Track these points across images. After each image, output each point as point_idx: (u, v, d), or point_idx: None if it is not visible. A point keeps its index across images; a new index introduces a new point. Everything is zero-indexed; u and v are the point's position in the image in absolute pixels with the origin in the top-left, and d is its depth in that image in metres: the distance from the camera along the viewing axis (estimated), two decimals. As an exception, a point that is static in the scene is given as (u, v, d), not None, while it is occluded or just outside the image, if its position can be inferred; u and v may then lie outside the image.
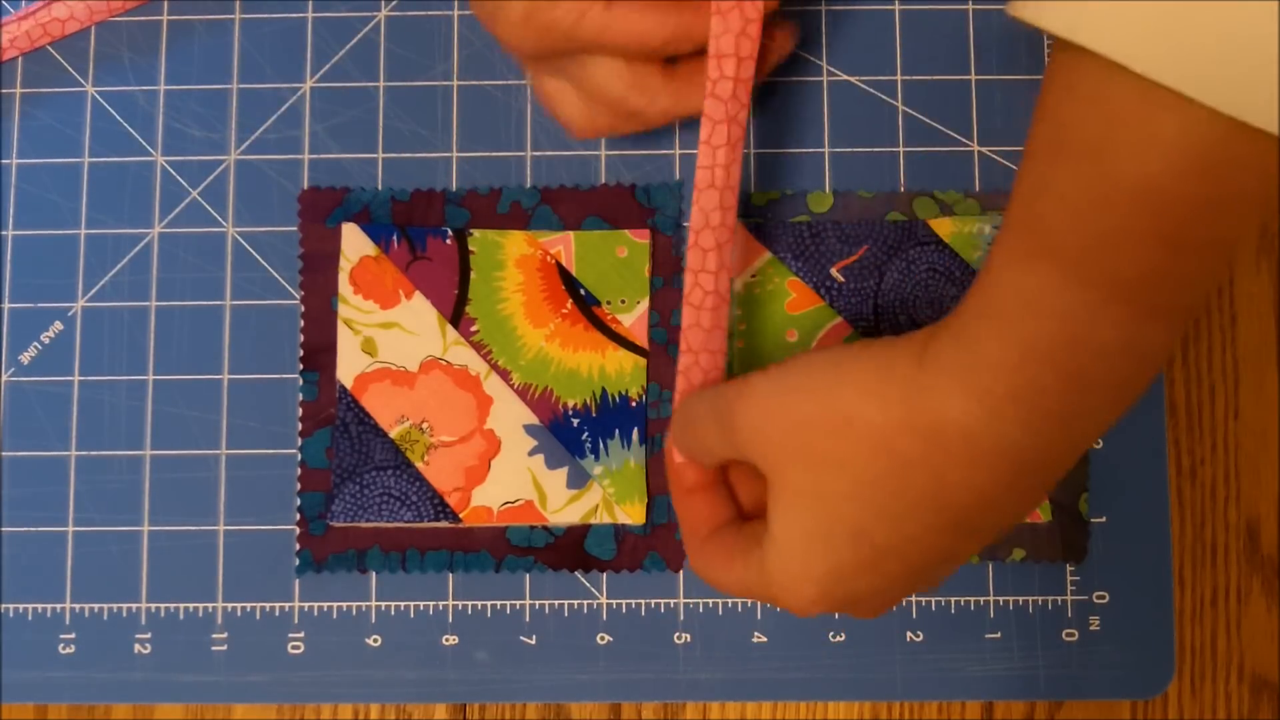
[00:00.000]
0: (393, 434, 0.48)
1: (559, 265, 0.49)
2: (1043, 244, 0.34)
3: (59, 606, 0.48)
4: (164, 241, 0.50)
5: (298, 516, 0.48)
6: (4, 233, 0.50)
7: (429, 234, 0.49)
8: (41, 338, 0.49)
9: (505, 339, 0.48)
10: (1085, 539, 0.48)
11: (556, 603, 0.48)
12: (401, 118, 0.50)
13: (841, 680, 0.47)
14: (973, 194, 0.49)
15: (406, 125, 0.50)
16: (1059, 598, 0.48)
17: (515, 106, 0.50)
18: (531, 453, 0.48)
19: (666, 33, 0.42)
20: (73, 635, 0.48)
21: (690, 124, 0.50)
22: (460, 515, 0.47)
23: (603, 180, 0.50)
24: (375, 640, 0.48)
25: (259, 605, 0.48)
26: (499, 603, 0.48)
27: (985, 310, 0.35)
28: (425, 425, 0.48)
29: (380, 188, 0.50)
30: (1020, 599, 0.48)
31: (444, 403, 0.48)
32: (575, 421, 0.48)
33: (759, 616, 0.48)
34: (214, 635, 0.48)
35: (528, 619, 0.48)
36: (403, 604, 0.48)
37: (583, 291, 0.49)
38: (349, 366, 0.48)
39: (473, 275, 0.49)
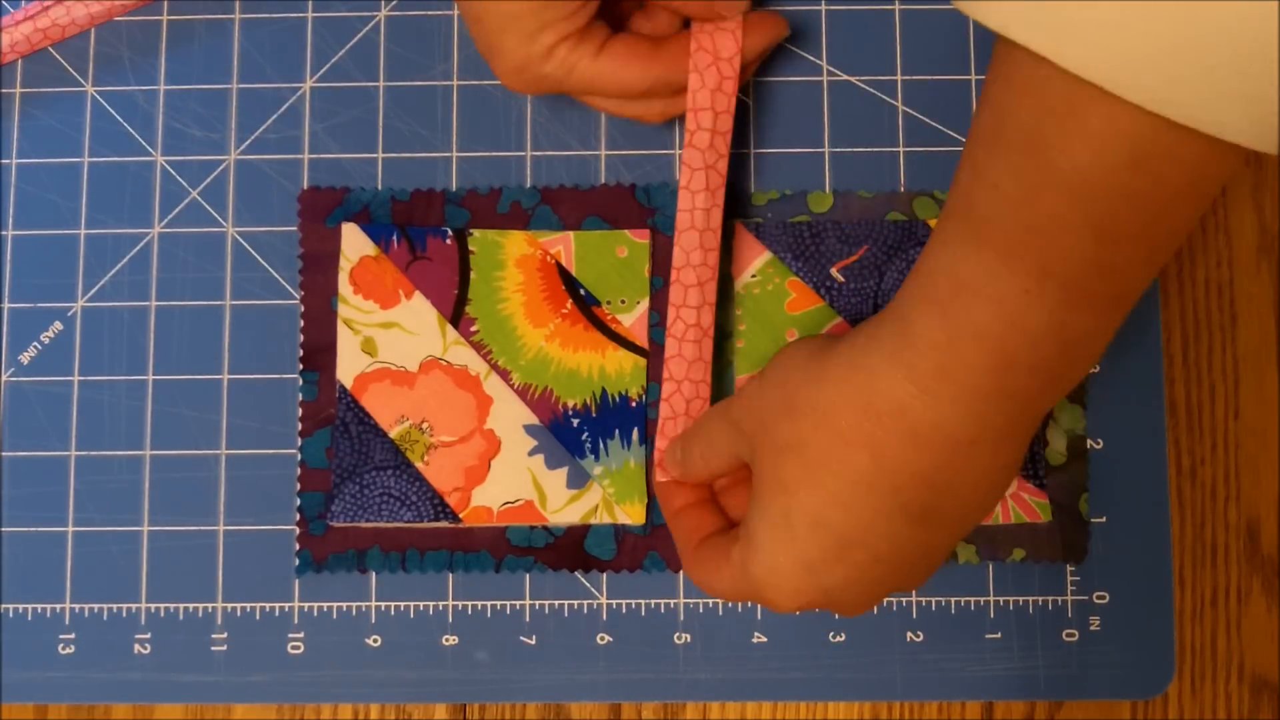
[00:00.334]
0: (393, 434, 0.48)
1: (559, 265, 0.49)
2: (976, 230, 0.35)
3: (59, 606, 0.48)
4: (164, 241, 0.50)
5: (298, 516, 0.48)
6: (4, 233, 0.50)
7: (429, 234, 0.49)
8: (41, 338, 0.49)
9: (505, 339, 0.48)
10: (1085, 539, 0.48)
11: (556, 603, 0.48)
12: (401, 118, 0.50)
13: (841, 680, 0.47)
14: (973, 194, 0.49)
15: (406, 125, 0.50)
16: (1059, 598, 0.48)
17: (515, 106, 0.50)
18: (531, 453, 0.48)
19: (648, 83, 0.45)
20: (73, 635, 0.48)
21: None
22: (460, 515, 0.47)
23: (603, 180, 0.50)
24: (375, 640, 0.48)
25: (259, 605, 0.48)
26: (499, 603, 0.48)
27: (920, 293, 0.36)
28: (425, 425, 0.48)
29: (380, 188, 0.50)
30: (1020, 599, 0.48)
31: (444, 403, 0.48)
32: (575, 421, 0.48)
33: (759, 617, 0.48)
34: (214, 635, 0.48)
35: (528, 619, 0.48)
36: (403, 604, 0.48)
37: (583, 291, 0.49)
38: (349, 366, 0.48)
39: (473, 275, 0.49)
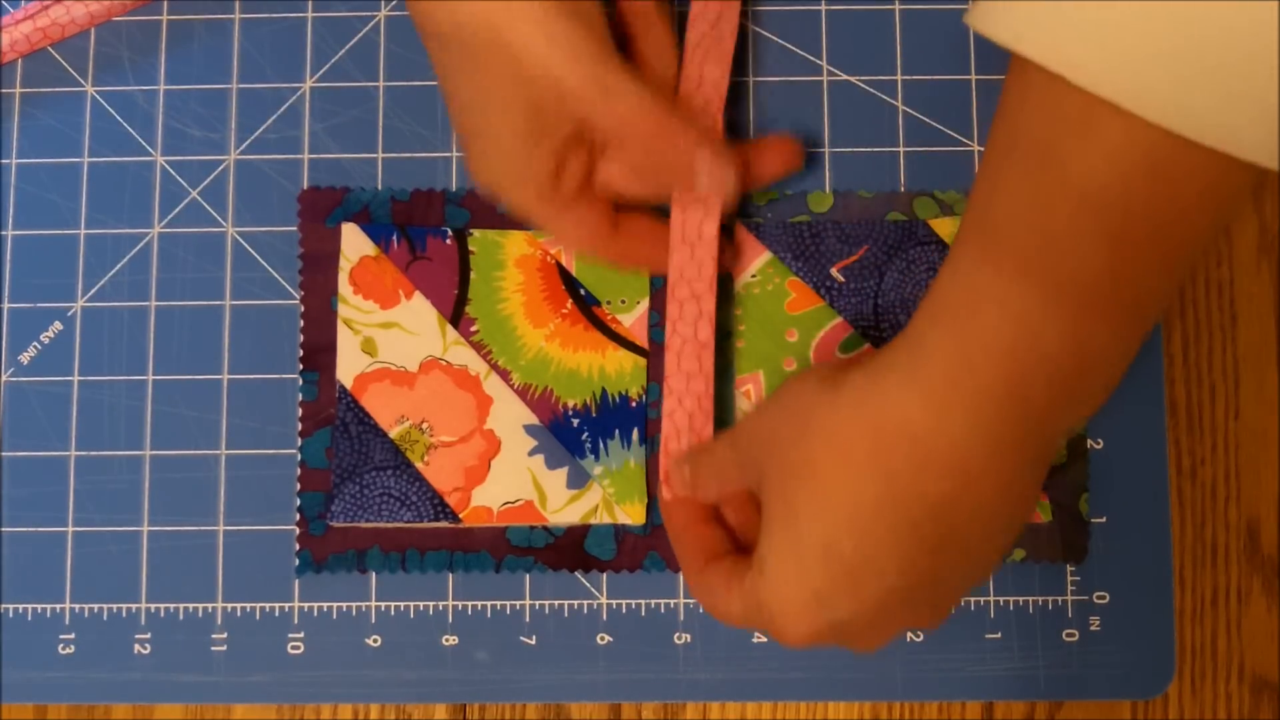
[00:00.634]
0: (392, 434, 0.48)
1: (559, 265, 0.49)
2: (993, 243, 0.34)
3: (59, 606, 0.48)
4: (164, 241, 0.50)
5: (297, 516, 0.48)
6: (4, 233, 0.50)
7: (429, 234, 0.49)
8: (41, 338, 0.49)
9: (505, 339, 0.48)
10: (1085, 539, 0.48)
11: (556, 603, 0.48)
12: (401, 118, 0.50)
13: (841, 680, 0.47)
14: (973, 194, 0.49)
15: (406, 125, 0.50)
16: (1059, 598, 0.48)
17: (515, 106, 0.50)
18: (531, 453, 0.48)
19: (607, 257, 0.46)
20: (73, 635, 0.48)
21: (690, 124, 0.50)
22: (460, 515, 0.47)
23: (603, 180, 0.50)
24: (375, 640, 0.48)
25: (259, 605, 0.48)
26: (499, 603, 0.48)
27: (936, 310, 0.36)
28: (425, 425, 0.48)
29: (380, 188, 0.50)
30: (1020, 599, 0.48)
31: (444, 403, 0.48)
32: (575, 421, 0.48)
33: (759, 616, 0.48)
34: (214, 635, 0.48)
35: (528, 619, 0.48)
36: (403, 604, 0.48)
37: (583, 291, 0.49)
38: (349, 366, 0.48)
39: (473, 275, 0.49)
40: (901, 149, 0.50)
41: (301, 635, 0.48)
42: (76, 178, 0.50)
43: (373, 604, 0.48)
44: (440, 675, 0.48)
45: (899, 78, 0.50)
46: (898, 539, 0.36)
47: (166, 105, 0.50)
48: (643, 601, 0.48)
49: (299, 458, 0.48)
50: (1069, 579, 0.48)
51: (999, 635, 0.48)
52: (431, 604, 0.48)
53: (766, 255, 0.49)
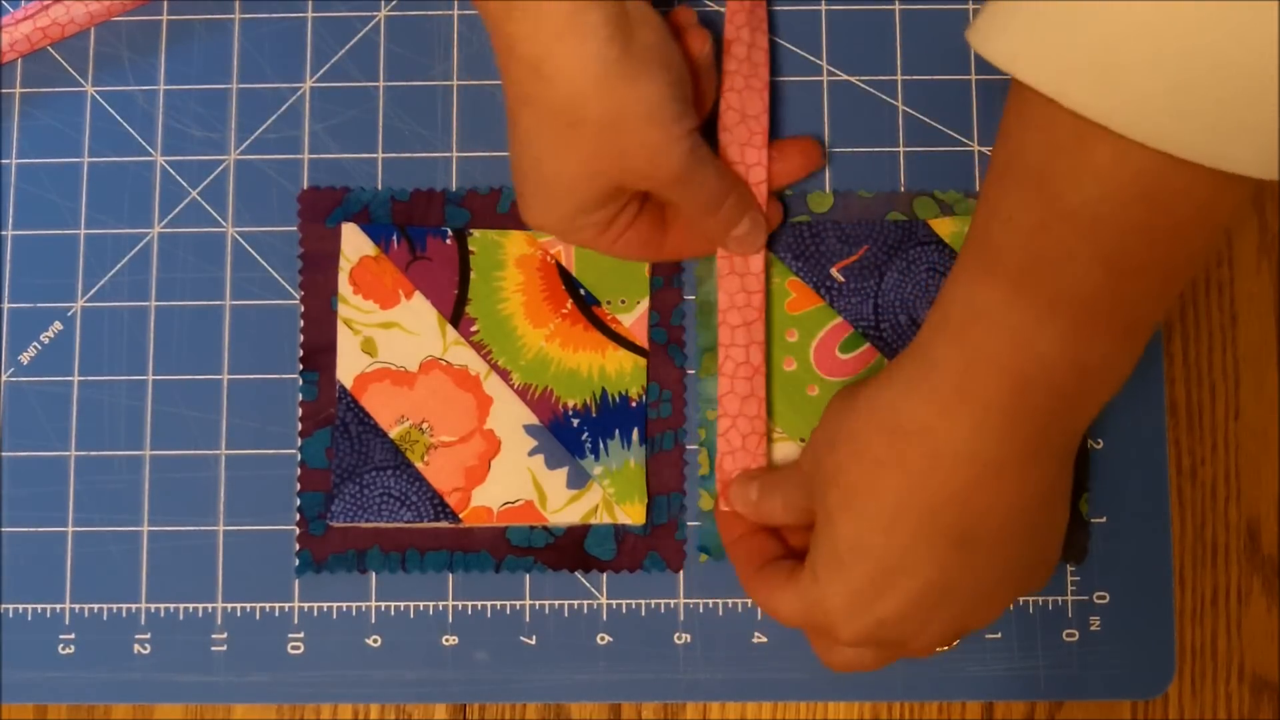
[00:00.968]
0: (393, 434, 0.48)
1: (559, 265, 0.49)
2: (992, 261, 0.36)
3: (59, 606, 0.48)
4: (164, 241, 0.50)
5: (298, 516, 0.48)
6: (4, 233, 0.50)
7: (429, 234, 0.49)
8: (41, 338, 0.49)
9: (505, 339, 0.48)
10: (1085, 539, 0.48)
11: (556, 603, 0.48)
12: (401, 118, 0.50)
13: (841, 680, 0.47)
14: (973, 194, 0.49)
15: (406, 125, 0.50)
16: (1059, 598, 0.48)
17: (515, 106, 0.50)
18: (531, 453, 0.48)
19: (652, 261, 0.48)
20: (73, 635, 0.48)
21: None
22: (460, 515, 0.47)
23: (603, 180, 0.50)
24: (375, 640, 0.48)
25: (259, 605, 0.48)
26: (499, 603, 0.48)
27: (940, 322, 0.37)
28: (425, 425, 0.48)
29: (380, 188, 0.50)
30: (1020, 599, 0.48)
31: (444, 403, 0.48)
32: (575, 421, 0.48)
33: (759, 617, 0.48)
34: (214, 635, 0.48)
35: (528, 619, 0.48)
36: (403, 604, 0.48)
37: (583, 291, 0.49)
38: (349, 366, 0.48)
39: (473, 275, 0.49)
40: (901, 149, 0.50)
41: (301, 635, 0.48)
42: (76, 178, 0.50)
43: (373, 604, 0.48)
44: (440, 675, 0.48)
45: (899, 78, 0.50)
46: (922, 533, 0.38)
47: (166, 105, 0.50)
48: (643, 601, 0.48)
49: (299, 458, 0.48)
50: (1069, 579, 0.48)
51: (999, 635, 0.48)
52: (431, 604, 0.48)
53: (767, 255, 0.49)
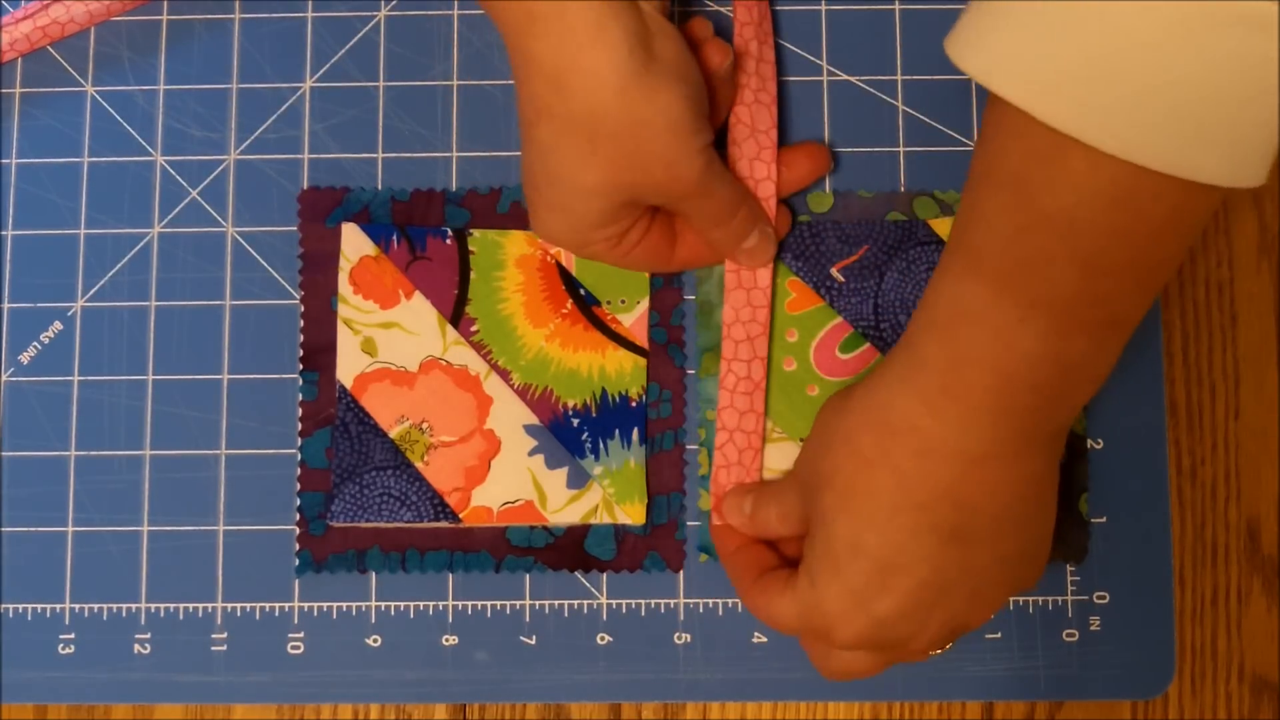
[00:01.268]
0: (393, 434, 0.48)
1: (559, 265, 0.49)
2: (973, 262, 0.37)
3: (59, 606, 0.48)
4: (164, 241, 0.50)
5: (298, 516, 0.48)
6: (4, 233, 0.50)
7: (429, 234, 0.49)
8: (41, 338, 0.49)
9: (505, 339, 0.48)
10: (1085, 539, 0.48)
11: (556, 603, 0.48)
12: (401, 118, 0.50)
13: (841, 680, 0.47)
14: (973, 194, 0.49)
15: (406, 125, 0.50)
16: (1059, 598, 0.48)
17: (515, 106, 0.50)
18: (531, 453, 0.48)
19: (663, 272, 0.48)
20: (73, 635, 0.48)
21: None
22: (460, 515, 0.47)
23: (603, 180, 0.50)
24: (375, 640, 0.48)
25: (259, 605, 0.48)
26: (499, 603, 0.48)
27: (926, 320, 0.38)
28: (425, 425, 0.48)
29: (380, 188, 0.50)
30: (1020, 599, 0.48)
31: (444, 403, 0.48)
32: (575, 421, 0.48)
33: (759, 616, 0.48)
34: (214, 635, 0.48)
35: (528, 619, 0.48)
36: (403, 604, 0.48)
37: (583, 291, 0.49)
38: (349, 366, 0.48)
39: (473, 275, 0.49)
40: (901, 149, 0.50)
41: (301, 635, 0.48)
42: (76, 178, 0.50)
43: (373, 604, 0.48)
44: (440, 675, 0.48)
45: (899, 78, 0.50)
46: (916, 529, 0.38)
47: (166, 105, 0.50)
48: (643, 601, 0.48)
49: (299, 458, 0.48)
50: (1069, 579, 0.48)
51: (999, 635, 0.48)
52: (431, 604, 0.48)
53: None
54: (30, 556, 0.48)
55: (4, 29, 0.50)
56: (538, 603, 0.48)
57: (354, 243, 0.49)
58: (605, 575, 0.48)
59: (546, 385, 0.48)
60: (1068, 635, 0.48)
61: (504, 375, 0.48)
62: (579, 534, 0.48)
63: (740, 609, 0.48)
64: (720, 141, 0.47)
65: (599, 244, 0.44)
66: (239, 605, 0.48)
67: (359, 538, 0.48)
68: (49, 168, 0.50)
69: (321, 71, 0.50)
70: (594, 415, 0.48)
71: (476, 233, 0.49)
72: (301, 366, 0.49)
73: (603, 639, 0.48)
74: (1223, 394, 0.49)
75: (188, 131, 0.50)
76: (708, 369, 0.49)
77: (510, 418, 0.48)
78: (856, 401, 0.40)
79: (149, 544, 0.48)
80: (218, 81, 0.51)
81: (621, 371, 0.48)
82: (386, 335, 0.48)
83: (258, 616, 0.48)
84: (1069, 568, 0.48)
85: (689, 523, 0.48)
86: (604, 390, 0.48)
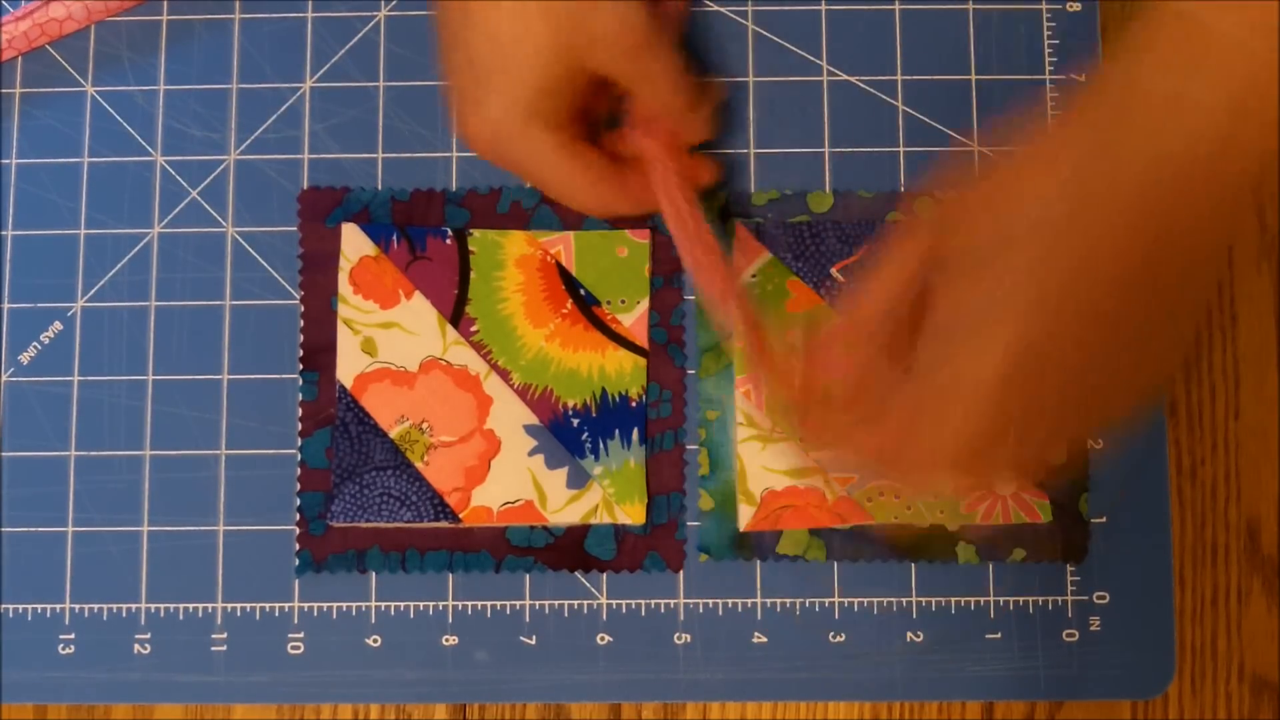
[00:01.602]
0: (393, 434, 0.48)
1: (559, 265, 0.49)
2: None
3: (59, 606, 0.48)
4: (164, 241, 0.50)
5: (298, 516, 0.48)
6: (4, 233, 0.50)
7: (429, 234, 0.49)
8: (41, 338, 0.49)
9: (505, 339, 0.48)
10: (1085, 539, 0.48)
11: (556, 603, 0.48)
12: (401, 118, 0.50)
13: (841, 680, 0.47)
14: (973, 194, 0.49)
15: (406, 125, 0.50)
16: (1059, 598, 0.48)
17: (515, 106, 0.50)
18: (531, 453, 0.48)
19: (593, 200, 0.45)
20: (73, 635, 0.48)
21: (690, 124, 0.50)
22: (460, 515, 0.47)
23: (603, 180, 0.50)
24: (375, 640, 0.48)
25: (259, 605, 0.48)
26: (499, 603, 0.48)
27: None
28: (425, 425, 0.48)
29: (380, 188, 0.50)
30: (1020, 599, 0.48)
31: (444, 403, 0.48)
32: (575, 421, 0.48)
33: (759, 617, 0.48)
34: (214, 635, 0.48)
35: (528, 619, 0.48)
36: (403, 604, 0.48)
37: (583, 291, 0.49)
38: (349, 366, 0.48)
39: (473, 275, 0.49)
40: (901, 149, 0.50)
41: (301, 635, 0.48)
42: (76, 178, 0.50)
43: (373, 604, 0.48)
44: (440, 675, 0.48)
45: (899, 78, 0.50)
46: (1075, 311, 0.33)
47: (166, 105, 0.50)
48: (643, 601, 0.48)
49: (299, 458, 0.48)
50: (1069, 579, 0.48)
51: (999, 635, 0.48)
52: (431, 604, 0.48)
53: (766, 255, 0.49)
54: (30, 556, 0.48)
55: (4, 26, 0.50)
56: (538, 603, 0.48)
57: (354, 243, 0.49)
58: (605, 575, 0.48)
59: (546, 385, 0.48)
60: (1068, 635, 0.48)
61: (504, 375, 0.48)
62: (579, 534, 0.48)
63: (740, 609, 0.48)
64: None
65: (542, 141, 0.42)
66: (239, 605, 0.48)
67: (359, 538, 0.48)
68: (49, 168, 0.50)
69: (321, 71, 0.50)
70: (594, 415, 0.48)
71: (476, 233, 0.49)
72: (301, 366, 0.49)
73: (603, 639, 0.48)
74: (1223, 394, 0.49)
75: (188, 131, 0.50)
76: (708, 369, 0.49)
77: (510, 418, 0.48)
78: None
79: (149, 544, 0.48)
80: (218, 81, 0.51)
81: (621, 371, 0.48)
82: (386, 335, 0.48)
83: (258, 616, 0.48)
84: (1069, 568, 0.48)
85: (689, 523, 0.48)
86: (604, 390, 0.48)
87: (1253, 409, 0.49)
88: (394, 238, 0.49)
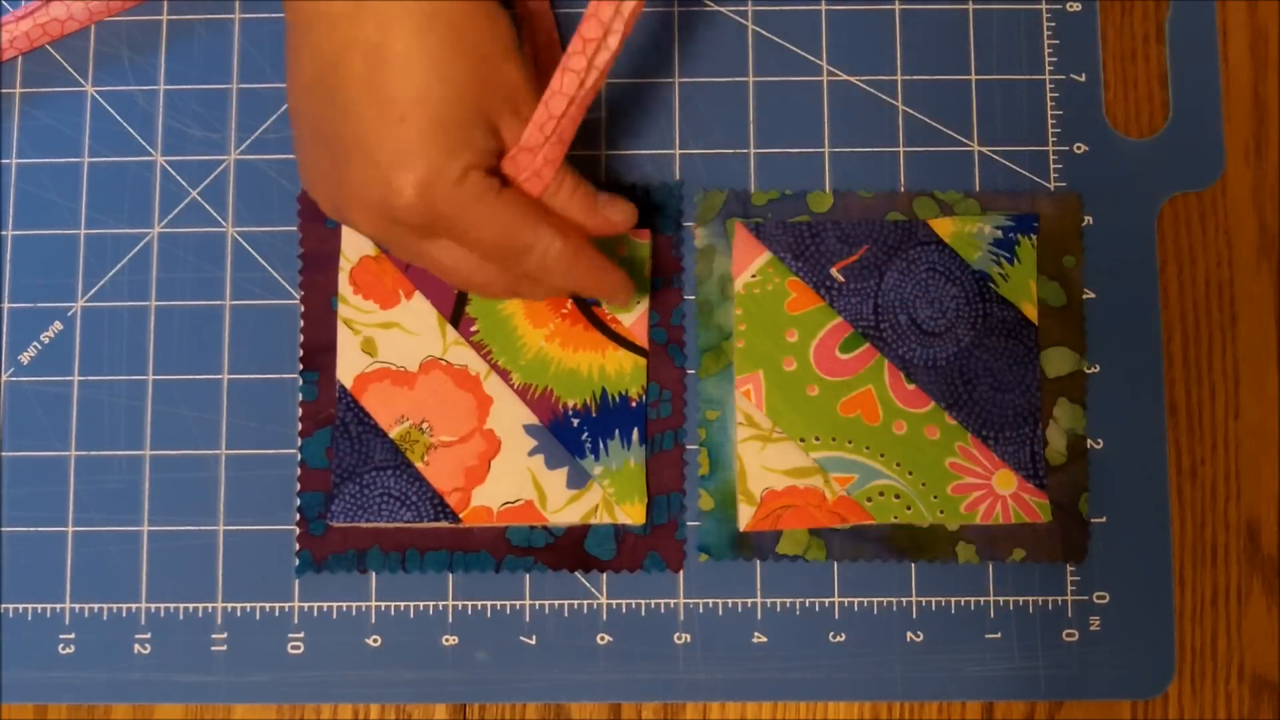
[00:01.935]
0: (393, 434, 0.48)
1: (559, 265, 0.49)
2: None
3: (59, 606, 0.48)
4: (164, 241, 0.50)
5: (298, 516, 0.48)
6: (4, 233, 0.50)
7: (429, 234, 0.49)
8: (41, 338, 0.49)
9: (505, 339, 0.48)
10: (1085, 539, 0.48)
11: (556, 603, 0.48)
12: (401, 118, 0.50)
13: (841, 680, 0.47)
14: (973, 194, 0.49)
15: (406, 125, 0.50)
16: (1059, 598, 0.48)
17: (515, 106, 0.50)
18: (531, 453, 0.48)
19: (528, 240, 0.41)
20: (73, 635, 0.48)
21: (692, 124, 0.50)
22: (460, 515, 0.47)
23: (603, 180, 0.50)
24: (375, 640, 0.48)
25: (259, 605, 0.48)
26: (499, 603, 0.48)
27: None
28: (425, 425, 0.48)
29: (380, 188, 0.50)
30: (1020, 599, 0.48)
31: (444, 403, 0.48)
32: (575, 421, 0.48)
33: (759, 617, 0.48)
34: (214, 635, 0.48)
35: (528, 619, 0.48)
36: (403, 604, 0.48)
37: (583, 291, 0.49)
38: (349, 366, 0.48)
39: (473, 275, 0.49)
40: (901, 149, 0.50)
41: (301, 635, 0.48)
42: (76, 178, 0.50)
43: (373, 604, 0.48)
44: (440, 675, 0.48)
45: (899, 78, 0.50)
46: None
47: (166, 105, 0.50)
48: (643, 601, 0.48)
49: (299, 458, 0.48)
50: (1069, 579, 0.48)
51: (999, 635, 0.48)
52: (431, 604, 0.48)
53: (766, 255, 0.49)
54: (30, 556, 0.48)
55: (4, 26, 0.50)
56: (538, 603, 0.48)
57: (354, 242, 0.49)
58: (605, 575, 0.48)
59: (546, 385, 0.48)
60: (1068, 635, 0.48)
61: (504, 375, 0.48)
62: (579, 534, 0.48)
63: (740, 609, 0.48)
64: None
65: (477, 151, 0.40)
66: (239, 605, 0.48)
67: (359, 538, 0.48)
68: (49, 168, 0.50)
69: (321, 71, 0.50)
70: (594, 415, 0.48)
71: (476, 233, 0.49)
72: (301, 366, 0.49)
73: (603, 639, 0.48)
74: (1223, 394, 0.49)
75: (188, 131, 0.50)
76: (708, 369, 0.49)
77: (510, 418, 0.48)
78: None
79: (149, 544, 0.48)
80: (218, 81, 0.51)
81: (621, 371, 0.48)
82: (386, 335, 0.48)
83: (258, 616, 0.48)
84: (1069, 568, 0.48)
85: (689, 523, 0.48)
86: (604, 390, 0.48)
87: (1253, 409, 0.49)
88: (394, 238, 0.49)
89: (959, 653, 0.48)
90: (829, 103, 0.50)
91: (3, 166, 0.50)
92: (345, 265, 0.49)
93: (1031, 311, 0.48)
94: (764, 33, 0.51)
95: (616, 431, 0.48)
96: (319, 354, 0.49)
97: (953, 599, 0.48)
